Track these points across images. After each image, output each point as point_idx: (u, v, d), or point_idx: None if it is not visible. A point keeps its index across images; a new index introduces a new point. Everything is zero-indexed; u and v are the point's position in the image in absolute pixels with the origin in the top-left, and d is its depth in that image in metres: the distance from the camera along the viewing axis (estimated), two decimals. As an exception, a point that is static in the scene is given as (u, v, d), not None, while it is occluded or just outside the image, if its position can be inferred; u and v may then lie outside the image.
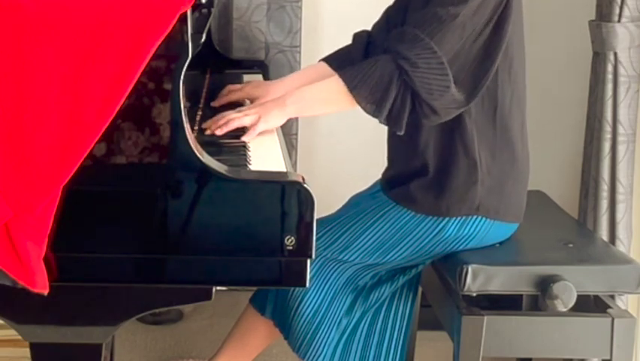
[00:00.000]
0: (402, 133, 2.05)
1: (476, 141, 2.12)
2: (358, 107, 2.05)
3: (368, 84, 2.02)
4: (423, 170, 2.15)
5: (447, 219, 2.14)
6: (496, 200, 2.15)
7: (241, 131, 2.03)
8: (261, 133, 2.04)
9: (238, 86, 2.39)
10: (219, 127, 2.02)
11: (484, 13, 2.03)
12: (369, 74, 2.02)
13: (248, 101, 2.34)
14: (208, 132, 2.01)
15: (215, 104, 2.33)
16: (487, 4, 2.03)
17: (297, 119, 2.93)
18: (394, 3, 2.35)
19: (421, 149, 2.14)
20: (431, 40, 2.00)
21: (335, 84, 2.06)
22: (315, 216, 1.66)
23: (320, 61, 2.40)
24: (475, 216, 2.14)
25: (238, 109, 2.11)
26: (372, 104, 2.03)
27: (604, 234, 2.64)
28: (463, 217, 2.14)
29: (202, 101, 2.33)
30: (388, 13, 2.36)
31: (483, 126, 2.12)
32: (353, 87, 2.03)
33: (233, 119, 2.03)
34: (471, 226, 2.15)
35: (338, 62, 2.36)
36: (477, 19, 2.03)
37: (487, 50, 2.06)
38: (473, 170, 2.12)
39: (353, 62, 2.34)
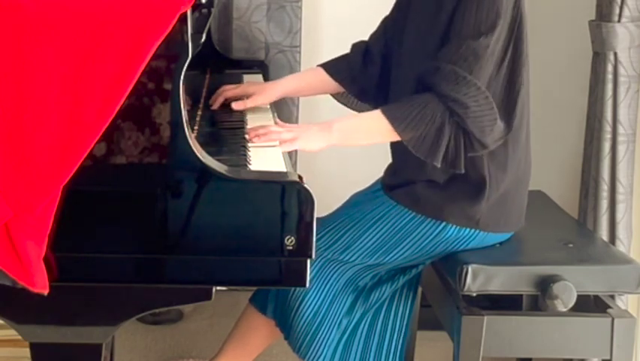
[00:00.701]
0: (462, 172, 2.05)
1: (486, 160, 2.11)
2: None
3: (418, 127, 2.01)
4: (430, 182, 2.15)
5: (446, 222, 2.14)
6: (497, 215, 2.15)
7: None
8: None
9: (233, 85, 2.39)
10: (257, 136, 2.01)
11: (502, 38, 2.04)
12: (419, 117, 2.01)
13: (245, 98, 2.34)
14: (248, 137, 2.02)
15: (214, 107, 2.33)
16: (503, 29, 2.04)
17: (296, 116, 2.94)
18: (391, 13, 2.35)
19: (429, 168, 2.13)
20: (471, 75, 2.00)
21: (382, 122, 2.04)
22: (315, 216, 1.65)
23: (318, 66, 2.40)
24: (473, 229, 2.14)
25: (282, 124, 2.11)
26: (425, 148, 2.02)
27: (604, 234, 2.64)
28: (461, 226, 2.14)
29: (202, 101, 2.33)
30: (386, 24, 2.36)
31: None
32: (402, 130, 2.02)
33: (273, 133, 2.02)
34: (470, 231, 2.15)
35: (336, 69, 2.37)
36: (499, 44, 2.04)
37: (511, 73, 2.07)
38: (481, 187, 2.12)
39: (351, 70, 2.36)
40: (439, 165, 2.04)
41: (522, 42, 2.08)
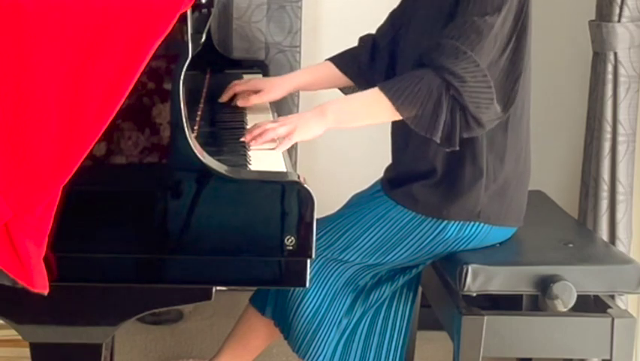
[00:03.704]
0: (457, 149, 2.03)
1: (485, 149, 2.11)
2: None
3: (416, 101, 2.00)
4: (429, 174, 2.15)
5: (447, 221, 2.14)
6: (498, 206, 2.15)
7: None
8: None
9: (243, 80, 2.40)
10: (254, 138, 1.99)
11: (508, 24, 2.04)
12: (416, 90, 2.00)
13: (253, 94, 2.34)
14: (243, 139, 1.98)
15: (222, 99, 2.32)
16: (510, 15, 2.04)
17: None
18: (399, 6, 2.35)
19: (430, 155, 2.14)
20: (472, 52, 2.00)
21: (378, 98, 2.03)
22: (315, 216, 1.65)
23: (326, 60, 2.40)
24: (475, 222, 2.14)
25: (275, 119, 2.10)
26: (424, 122, 2.01)
27: (604, 234, 2.64)
28: (463, 221, 2.14)
29: (202, 101, 2.33)
30: (393, 17, 2.36)
31: (495, 132, 2.12)
32: (400, 104, 2.00)
33: (268, 130, 2.00)
34: (471, 229, 2.15)
35: (344, 62, 2.37)
36: (504, 30, 2.04)
37: (512, 60, 2.07)
38: (479, 177, 2.12)
39: (359, 64, 2.35)
40: (438, 141, 2.03)
41: (526, 34, 2.08)
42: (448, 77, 2.00)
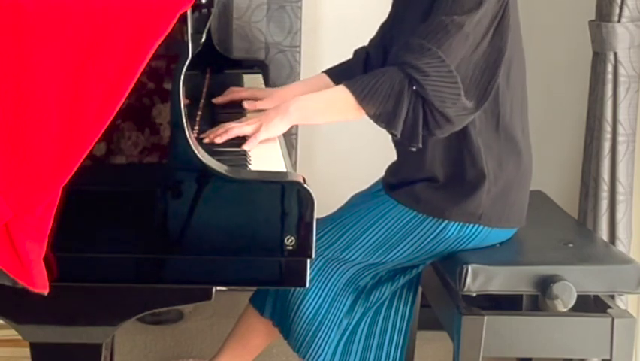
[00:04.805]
0: (420, 147, 2.03)
1: (483, 152, 2.11)
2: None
3: (378, 96, 2.00)
4: (430, 180, 2.16)
5: (448, 220, 2.14)
6: (499, 209, 2.15)
7: (242, 138, 2.01)
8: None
9: (242, 89, 2.39)
10: (219, 135, 1.97)
11: (484, 23, 2.04)
12: (378, 85, 2.00)
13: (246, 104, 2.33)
14: (206, 141, 1.95)
15: (217, 100, 2.32)
16: (486, 14, 2.03)
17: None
18: (388, 18, 2.35)
19: (427, 165, 2.14)
20: (438, 49, 2.00)
21: (342, 94, 2.03)
22: (315, 216, 1.66)
23: (322, 72, 2.40)
24: (475, 224, 2.14)
25: (239, 119, 2.09)
26: (385, 117, 2.01)
27: (604, 234, 2.64)
28: (464, 222, 2.14)
29: (202, 101, 2.33)
30: (383, 29, 2.36)
31: (488, 136, 2.12)
32: (362, 99, 2.00)
33: (234, 129, 1.99)
34: (472, 229, 2.15)
35: (339, 76, 2.36)
36: (478, 29, 2.03)
37: (487, 58, 2.06)
38: (481, 180, 2.12)
39: (352, 76, 2.35)
40: (398, 136, 2.02)
41: (504, 32, 2.06)
42: (410, 71, 1.99)
